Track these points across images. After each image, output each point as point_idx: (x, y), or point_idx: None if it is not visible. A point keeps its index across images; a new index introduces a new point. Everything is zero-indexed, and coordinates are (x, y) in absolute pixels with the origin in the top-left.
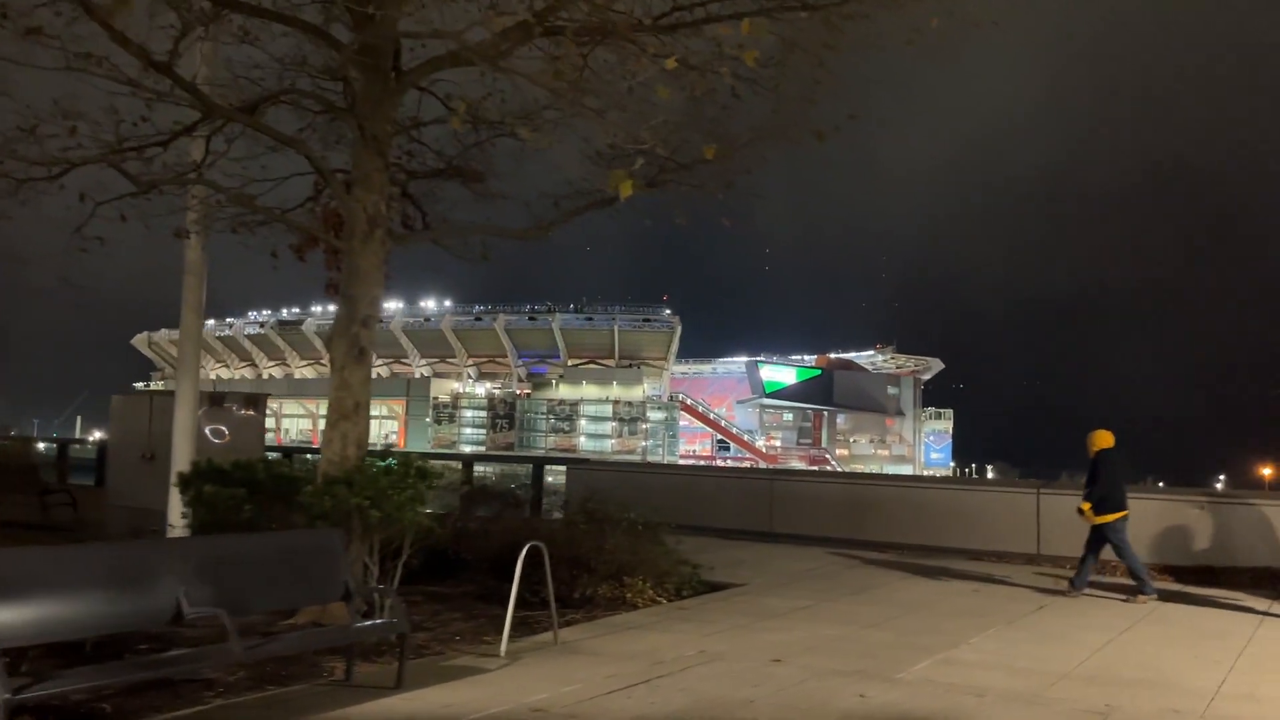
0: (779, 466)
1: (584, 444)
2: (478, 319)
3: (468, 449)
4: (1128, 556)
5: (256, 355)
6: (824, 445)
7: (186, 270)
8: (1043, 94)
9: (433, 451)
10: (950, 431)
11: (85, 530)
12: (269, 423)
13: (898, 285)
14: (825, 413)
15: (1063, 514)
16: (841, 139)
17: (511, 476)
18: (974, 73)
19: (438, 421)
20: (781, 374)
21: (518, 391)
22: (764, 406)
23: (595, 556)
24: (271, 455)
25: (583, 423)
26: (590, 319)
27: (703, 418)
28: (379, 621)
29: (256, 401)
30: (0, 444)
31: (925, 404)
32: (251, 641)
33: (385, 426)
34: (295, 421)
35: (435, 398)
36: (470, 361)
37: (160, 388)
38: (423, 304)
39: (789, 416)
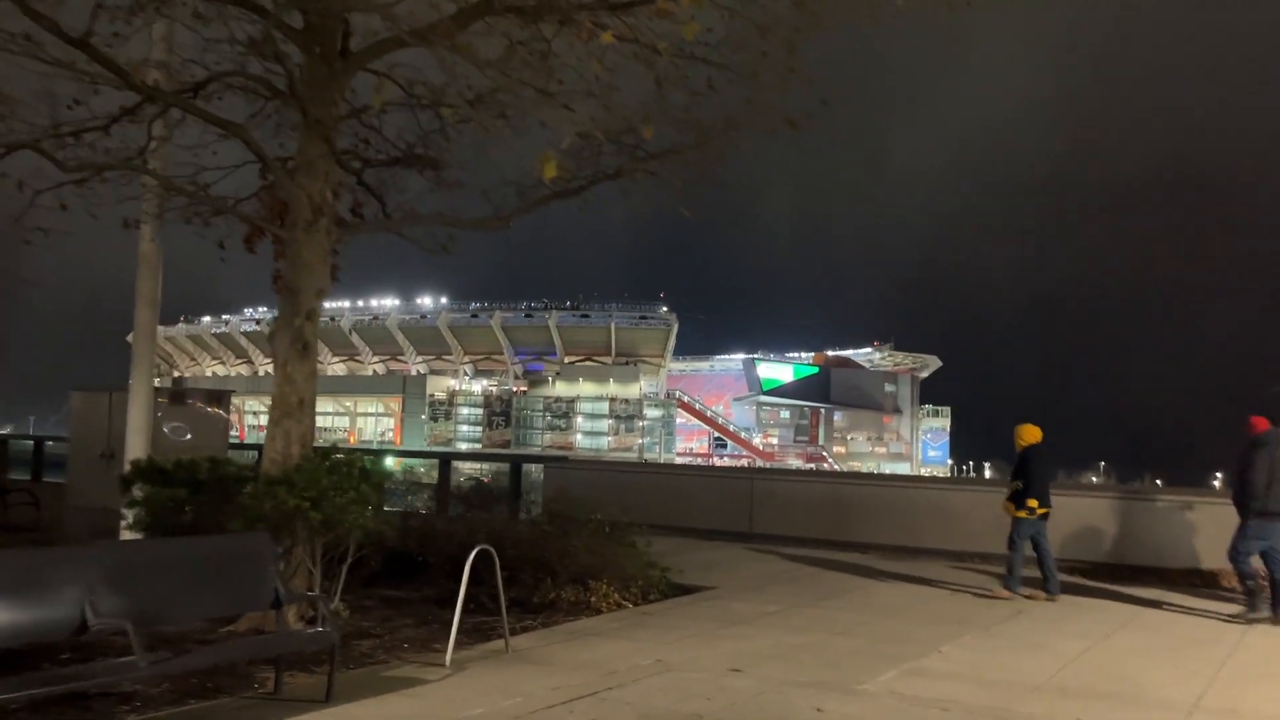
0: (760, 465)
1: (580, 441)
2: (474, 316)
3: (464, 446)
4: (1043, 552)
5: (252, 352)
6: (821, 443)
7: (140, 262)
8: (1048, 91)
9: (405, 449)
10: (948, 429)
11: (45, 530)
12: (265, 420)
13: (898, 283)
14: (822, 410)
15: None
16: (843, 136)
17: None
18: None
19: (434, 419)
20: (778, 371)
21: (514, 389)
22: (761, 404)
23: (559, 559)
24: (250, 454)
25: (579, 420)
26: (587, 316)
27: (699, 415)
28: (306, 631)
29: (221, 398)
30: None
31: (923, 401)
32: (160, 655)
33: (382, 424)
34: None
35: (431, 395)
36: (466, 359)
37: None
38: (419, 301)
39: (786, 414)
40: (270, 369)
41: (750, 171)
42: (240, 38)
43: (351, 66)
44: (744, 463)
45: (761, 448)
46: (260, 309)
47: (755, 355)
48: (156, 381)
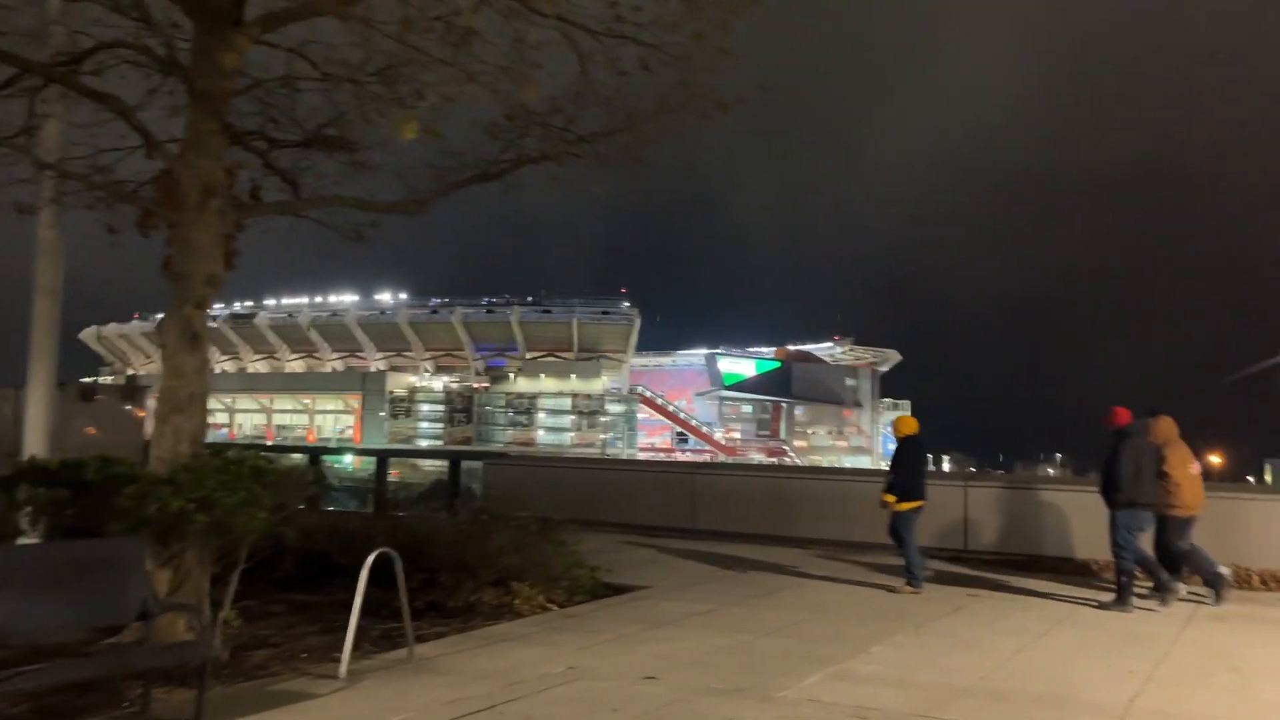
0: (703, 460)
1: (543, 438)
2: (434, 312)
3: (425, 443)
4: (908, 546)
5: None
6: (783, 437)
7: (39, 250)
8: (1021, 90)
9: (338, 446)
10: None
11: None
12: (222, 418)
13: (861, 278)
14: (784, 405)
15: (990, 507)
16: (809, 132)
17: (426, 473)
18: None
19: (394, 416)
20: (740, 366)
21: (475, 385)
22: (723, 399)
23: (479, 561)
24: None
25: (541, 416)
26: (549, 311)
27: (662, 410)
28: (174, 644)
29: (135, 394)
30: None
31: (884, 395)
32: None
33: (341, 421)
34: (249, 417)
35: (391, 392)
36: (427, 355)
37: (110, 381)
38: (378, 297)
39: (748, 408)
40: (228, 366)
41: (715, 166)
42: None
43: (243, 36)
44: (706, 457)
45: (724, 442)
46: (217, 305)
47: (717, 350)
48: (110, 379)
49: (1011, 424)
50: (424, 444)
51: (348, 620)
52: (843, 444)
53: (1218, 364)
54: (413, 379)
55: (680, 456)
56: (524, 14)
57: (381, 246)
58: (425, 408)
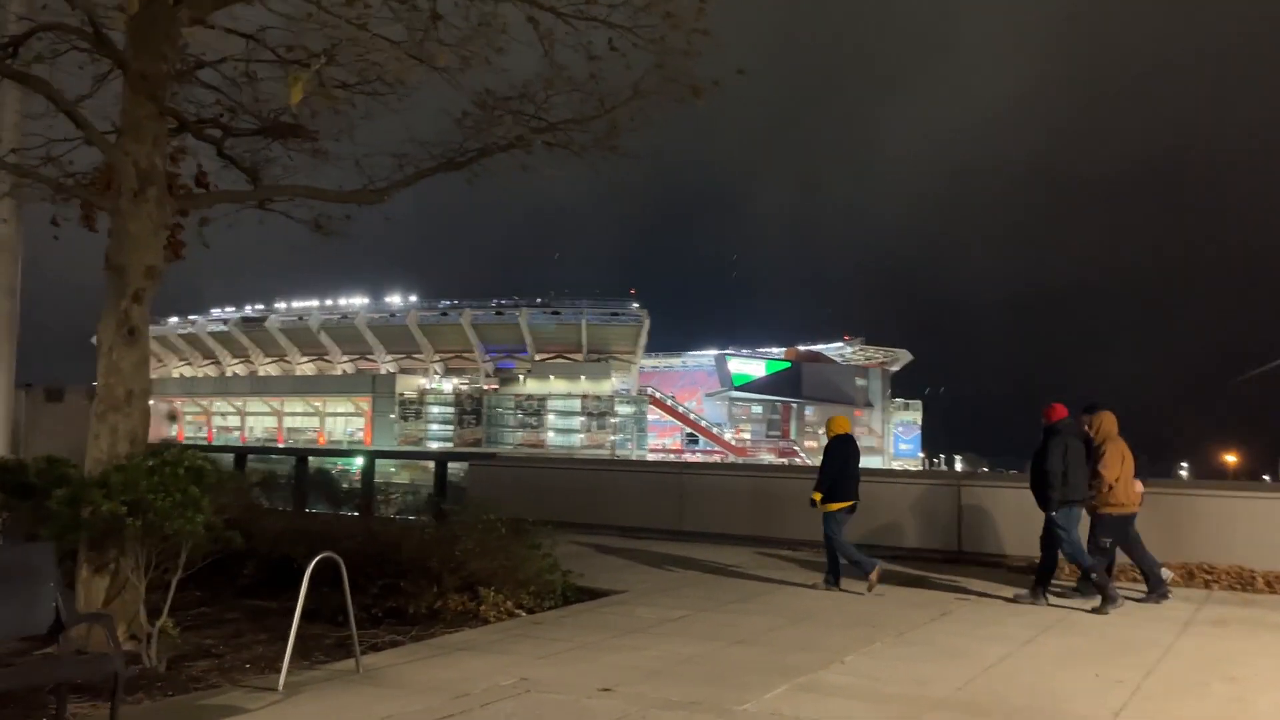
0: (688, 460)
1: (553, 439)
2: (444, 314)
3: (435, 445)
4: (837, 546)
5: (220, 353)
6: (793, 438)
7: None
8: (1029, 84)
9: (324, 448)
10: (919, 422)
11: None
12: (233, 420)
13: (873, 277)
14: (794, 405)
15: (985, 508)
16: (819, 130)
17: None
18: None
19: (404, 418)
20: (750, 367)
21: (485, 387)
22: (733, 399)
23: (445, 565)
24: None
25: (551, 418)
26: (558, 313)
27: (671, 411)
28: (85, 655)
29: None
30: None
31: (894, 395)
32: None
33: (352, 424)
34: (260, 420)
35: (401, 394)
36: (437, 357)
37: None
38: (388, 299)
39: (758, 409)
40: (239, 370)
41: (724, 166)
42: None
43: (183, 16)
44: (716, 458)
45: (734, 443)
46: (228, 309)
47: (727, 351)
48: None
49: (1029, 423)
50: (434, 446)
51: (304, 627)
52: None
53: (1238, 362)
54: (423, 381)
55: (690, 457)
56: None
57: (392, 249)
58: (435, 409)
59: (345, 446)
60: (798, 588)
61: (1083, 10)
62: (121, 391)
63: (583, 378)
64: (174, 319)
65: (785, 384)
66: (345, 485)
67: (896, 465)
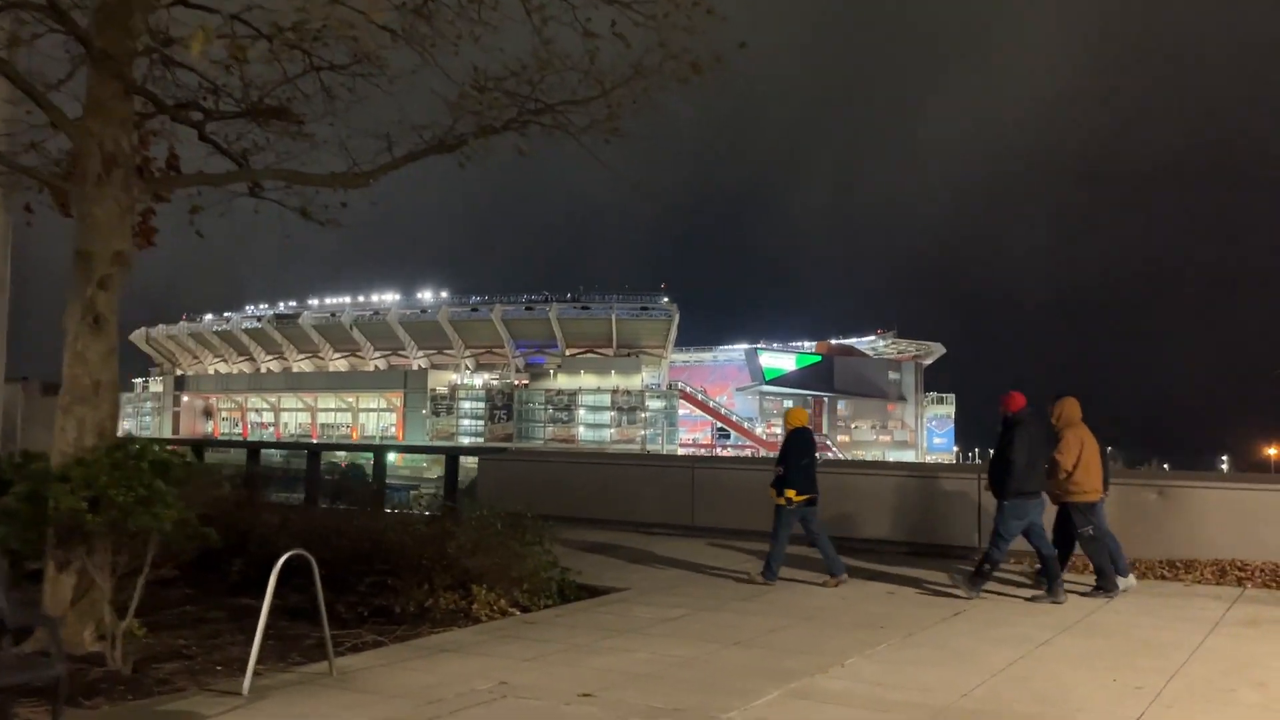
0: (701, 454)
1: (583, 434)
2: (474, 310)
3: (466, 440)
4: (779, 541)
5: (254, 349)
6: (825, 432)
7: None
8: (1079, 76)
9: (327, 443)
10: (953, 416)
11: None
12: (267, 417)
13: (908, 270)
14: (826, 399)
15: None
16: (855, 121)
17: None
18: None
19: (435, 413)
20: (781, 361)
21: (515, 382)
22: (764, 394)
23: (436, 563)
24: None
25: (581, 413)
26: (587, 308)
27: (702, 406)
28: (26, 657)
29: None
30: None
31: (928, 389)
32: None
33: (384, 419)
34: (294, 415)
35: (433, 390)
36: (468, 353)
37: (157, 383)
38: (419, 295)
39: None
40: (273, 366)
41: (759, 159)
42: None
43: None
44: (747, 453)
45: (764, 438)
46: (262, 306)
47: (758, 345)
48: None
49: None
50: (465, 441)
51: (284, 627)
52: (886, 439)
53: None
54: (454, 376)
55: (721, 452)
56: None
57: (426, 245)
58: (467, 405)
59: (358, 441)
60: (807, 585)
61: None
62: (88, 382)
63: (613, 372)
64: (209, 316)
65: (817, 378)
66: (357, 480)
67: (930, 459)
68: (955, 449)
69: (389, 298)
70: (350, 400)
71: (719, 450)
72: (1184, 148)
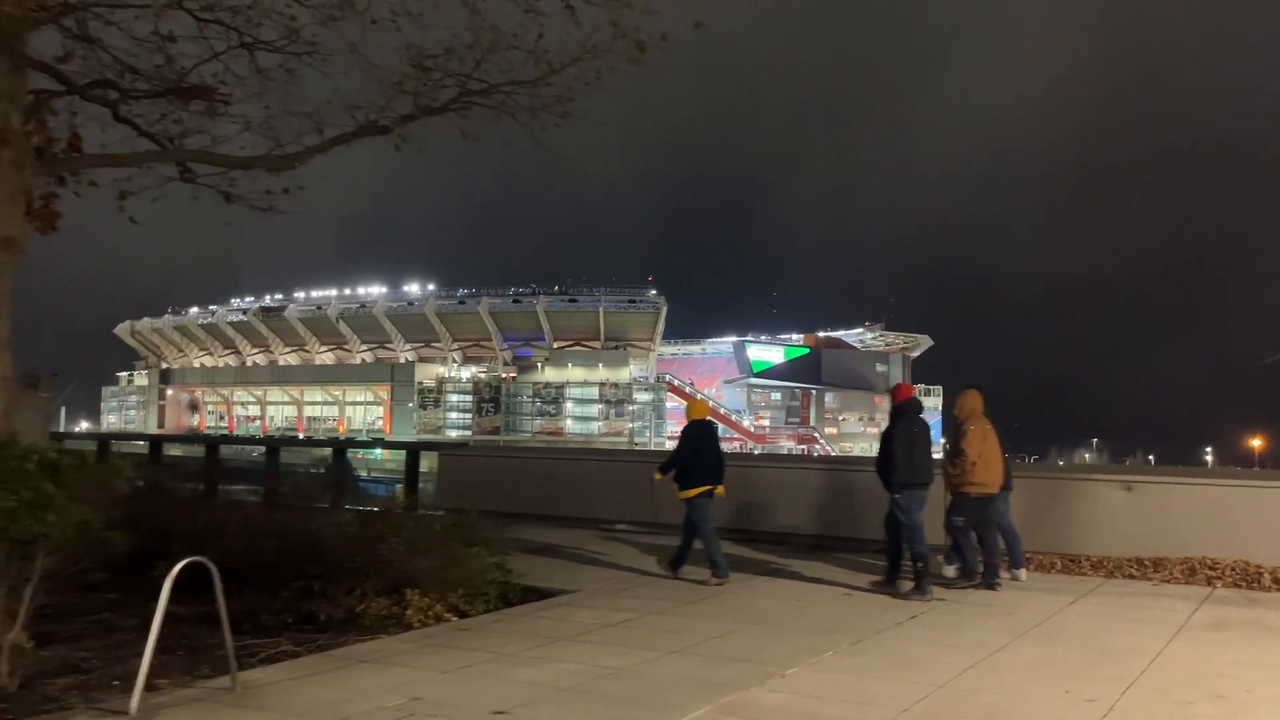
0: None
1: (571, 427)
2: (461, 302)
3: (454, 434)
4: (705, 535)
5: (240, 342)
6: (812, 424)
7: None
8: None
9: (285, 439)
10: (940, 409)
11: None
12: (253, 410)
13: (896, 263)
14: (813, 392)
15: None
16: (843, 112)
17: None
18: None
19: (423, 407)
20: (769, 353)
21: (503, 375)
22: (752, 386)
23: (371, 564)
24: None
25: (569, 405)
26: (575, 301)
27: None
28: None
29: (36, 381)
30: None
31: (915, 381)
32: None
33: (371, 413)
34: (280, 409)
35: (420, 383)
36: (455, 345)
37: (142, 377)
38: (406, 288)
39: (777, 396)
40: (259, 359)
41: (747, 152)
42: None
43: None
44: (734, 446)
45: (753, 430)
46: (248, 299)
47: (746, 337)
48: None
49: (1056, 411)
50: (453, 434)
51: (202, 635)
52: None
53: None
54: (441, 370)
55: None
56: None
57: (419, 241)
58: (454, 398)
59: (321, 437)
60: (769, 583)
61: None
62: None
63: (601, 365)
64: (194, 309)
65: (804, 370)
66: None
67: None
68: (943, 440)
69: (375, 291)
70: (337, 393)
71: None
72: (1177, 143)
